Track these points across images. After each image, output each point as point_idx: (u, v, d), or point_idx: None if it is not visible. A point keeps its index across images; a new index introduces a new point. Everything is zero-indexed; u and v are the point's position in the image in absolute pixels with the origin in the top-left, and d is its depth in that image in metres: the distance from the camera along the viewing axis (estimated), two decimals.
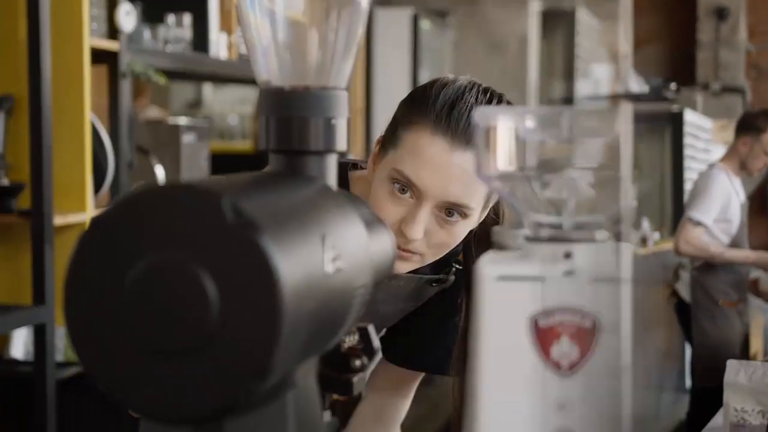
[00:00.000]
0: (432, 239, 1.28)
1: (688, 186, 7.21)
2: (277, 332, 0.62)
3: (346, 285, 0.74)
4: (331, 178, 0.85)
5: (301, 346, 0.68)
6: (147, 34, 2.98)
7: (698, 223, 4.24)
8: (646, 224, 6.35)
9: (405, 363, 1.52)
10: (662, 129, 7.00)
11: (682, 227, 4.28)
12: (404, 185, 1.26)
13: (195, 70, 3.18)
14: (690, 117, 7.06)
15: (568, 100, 7.22)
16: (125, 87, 2.71)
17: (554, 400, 0.70)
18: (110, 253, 0.64)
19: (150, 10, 3.04)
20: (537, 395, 0.70)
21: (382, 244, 0.89)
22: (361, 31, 0.87)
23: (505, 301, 0.71)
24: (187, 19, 3.08)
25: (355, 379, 0.90)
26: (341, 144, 0.85)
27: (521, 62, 5.54)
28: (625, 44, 5.51)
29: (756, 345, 4.87)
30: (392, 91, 4.23)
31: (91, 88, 2.57)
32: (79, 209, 2.53)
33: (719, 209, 4.28)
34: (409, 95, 1.32)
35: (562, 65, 7.32)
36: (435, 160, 1.24)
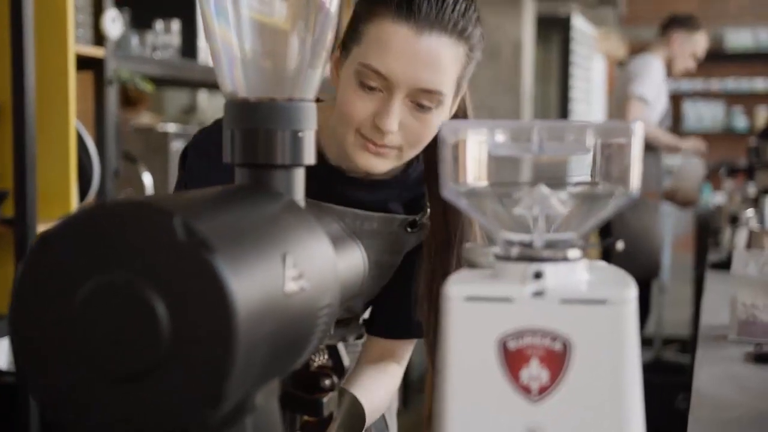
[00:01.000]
0: (407, 132, 1.25)
1: (574, 94, 7.30)
2: (231, 356, 0.60)
3: (310, 305, 0.71)
4: (299, 193, 0.82)
5: (260, 369, 0.65)
6: (135, 40, 2.95)
7: (643, 99, 4.28)
8: None
9: (391, 334, 1.49)
10: (549, 32, 7.03)
11: (626, 106, 4.30)
12: (372, 79, 1.23)
13: (183, 76, 3.15)
14: (577, 23, 7.09)
15: (564, 103, 7.25)
16: (111, 94, 2.68)
17: (524, 426, 0.67)
18: (58, 272, 0.62)
19: (138, 16, 3.01)
20: (506, 420, 0.68)
21: (352, 259, 0.86)
22: (330, 38, 0.85)
23: (473, 322, 0.68)
24: (175, 25, 3.06)
25: (325, 399, 0.88)
26: (309, 157, 0.82)
27: (516, 68, 5.52)
28: None
29: None
30: None
31: (76, 95, 2.54)
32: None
33: (656, 89, 4.34)
34: None
35: (558, 71, 7.32)
36: (401, 47, 1.21)
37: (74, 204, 2.52)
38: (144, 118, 4.06)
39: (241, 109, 0.81)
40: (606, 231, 4.27)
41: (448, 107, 1.28)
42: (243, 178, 0.82)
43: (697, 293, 4.52)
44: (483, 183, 0.73)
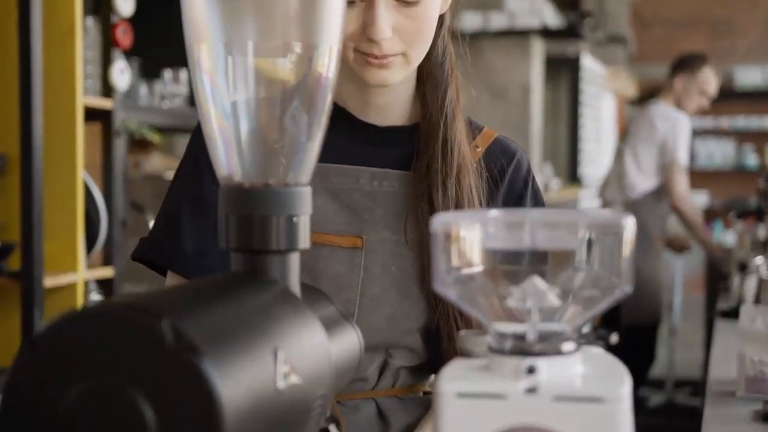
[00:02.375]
0: (404, 33, 1.17)
1: (584, 133, 7.30)
2: None
3: (302, 398, 0.71)
4: (293, 278, 0.82)
5: None
6: (143, 89, 2.97)
7: (685, 168, 4.31)
8: (548, 170, 6.33)
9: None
10: (559, 72, 7.04)
11: (672, 176, 4.28)
12: None
13: (192, 125, 3.16)
14: (586, 62, 7.11)
15: (573, 143, 7.26)
16: (119, 145, 2.70)
17: None
18: (46, 376, 0.61)
19: (147, 65, 3.03)
20: None
21: (346, 344, 0.86)
22: (324, 122, 0.85)
23: (466, 418, 0.68)
24: (183, 74, 3.08)
25: None
26: (305, 242, 0.82)
27: (524, 110, 5.53)
28: None
29: None
30: None
31: (84, 146, 2.55)
32: (70, 270, 2.50)
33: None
34: None
35: (567, 110, 7.34)
36: None
37: (81, 256, 2.53)
38: (155, 159, 4.08)
39: (236, 195, 0.81)
40: None
41: None
42: (237, 263, 0.81)
43: (708, 338, 4.49)
44: (475, 274, 0.72)
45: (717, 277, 4.81)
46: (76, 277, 2.52)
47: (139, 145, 3.96)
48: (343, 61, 1.21)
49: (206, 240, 1.21)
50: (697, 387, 5.34)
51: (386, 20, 1.15)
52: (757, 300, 2.81)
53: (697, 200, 10.02)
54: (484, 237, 0.71)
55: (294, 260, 0.82)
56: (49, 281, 2.43)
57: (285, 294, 0.77)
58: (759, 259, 3.13)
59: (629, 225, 0.69)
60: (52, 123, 2.47)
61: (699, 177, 10.15)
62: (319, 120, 0.84)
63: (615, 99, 9.25)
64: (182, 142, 4.29)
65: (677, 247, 4.88)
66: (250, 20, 0.79)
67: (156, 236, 1.27)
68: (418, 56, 1.20)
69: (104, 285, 2.75)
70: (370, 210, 1.24)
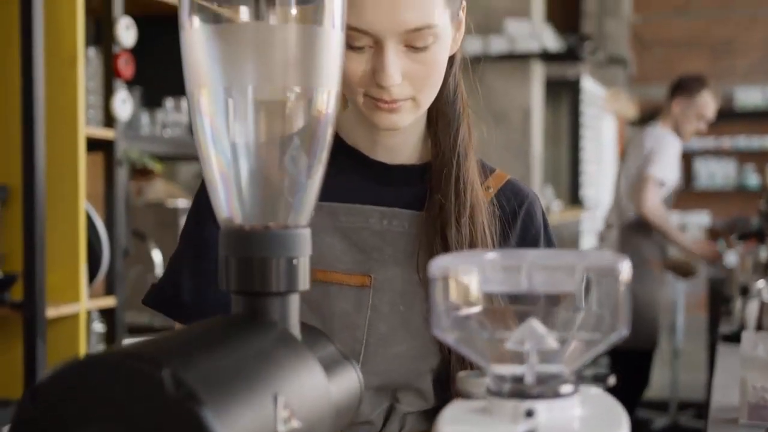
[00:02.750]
0: (413, 78, 1.16)
1: (585, 155, 7.31)
2: None
3: None
4: (293, 319, 0.82)
5: None
6: (145, 118, 2.99)
7: (660, 183, 4.27)
8: (550, 192, 6.34)
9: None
10: (560, 95, 7.06)
11: (644, 186, 4.27)
12: (356, 39, 1.14)
13: (193, 153, 3.18)
14: (586, 84, 7.14)
15: (574, 165, 7.28)
16: (121, 174, 2.71)
17: None
18: (47, 425, 0.62)
19: (149, 94, 3.05)
20: None
21: (346, 383, 0.86)
22: (323, 163, 0.86)
23: None
24: (184, 103, 3.09)
25: None
26: (304, 283, 0.83)
27: (525, 133, 5.55)
28: (537, 2, 5.52)
29: None
30: None
31: (86, 176, 2.56)
32: (73, 300, 2.51)
33: (672, 171, 4.36)
34: None
35: (568, 132, 7.36)
36: None
37: (84, 286, 2.53)
38: (157, 186, 4.09)
39: (236, 237, 0.82)
40: None
41: (447, 35, 1.19)
42: (237, 305, 0.82)
43: (711, 361, 4.49)
44: (472, 317, 0.73)
45: (719, 298, 4.81)
46: (79, 307, 2.52)
47: (141, 171, 3.98)
48: (354, 102, 1.21)
49: (204, 287, 1.22)
50: (701, 409, 5.33)
51: (395, 66, 1.15)
52: (759, 324, 2.81)
53: (698, 220, 10.05)
54: (482, 280, 0.72)
55: (294, 301, 0.82)
56: (52, 311, 2.43)
57: (285, 336, 0.78)
58: (761, 283, 3.12)
59: (625, 268, 0.69)
60: (54, 153, 2.48)
61: (700, 197, 10.17)
62: (318, 161, 0.85)
63: (616, 120, 9.27)
64: (184, 170, 4.31)
65: (683, 272, 4.88)
66: (249, 65, 0.80)
67: (160, 283, 1.29)
68: (428, 100, 1.20)
69: (106, 314, 2.76)
70: (379, 249, 1.24)
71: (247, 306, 0.81)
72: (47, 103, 2.45)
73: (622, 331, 0.70)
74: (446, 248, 1.21)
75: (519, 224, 1.29)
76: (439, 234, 1.22)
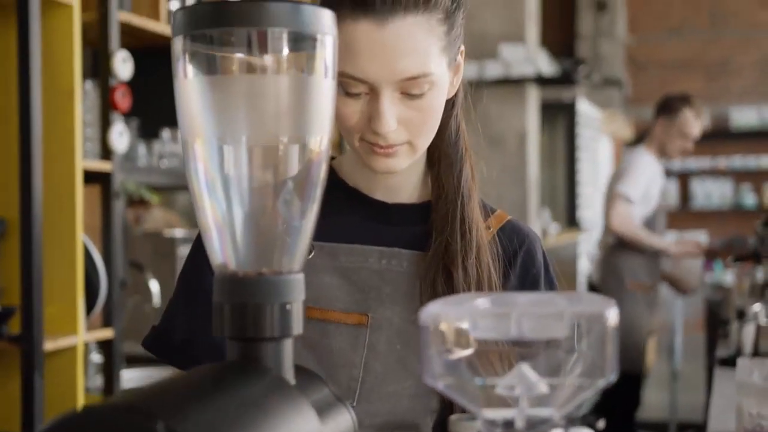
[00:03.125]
0: (409, 124, 1.17)
1: (581, 177, 7.33)
2: None
3: None
4: (287, 363, 0.83)
5: None
6: (142, 149, 3.00)
7: (627, 199, 4.28)
8: (546, 215, 6.34)
9: None
10: (555, 117, 7.08)
11: (612, 202, 4.29)
12: (352, 86, 1.15)
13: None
14: (582, 107, 7.16)
15: (571, 187, 7.29)
16: (118, 206, 2.72)
17: None
18: None
19: (146, 125, 3.07)
20: None
21: (341, 427, 0.87)
22: (315, 209, 0.87)
23: None
24: None
25: None
26: (297, 328, 0.84)
27: (521, 157, 5.57)
28: (532, 24, 5.54)
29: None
30: None
31: (83, 208, 2.57)
32: (70, 332, 2.51)
33: (644, 187, 4.34)
34: None
35: (564, 154, 7.38)
36: (367, 45, 1.13)
37: (81, 319, 2.54)
38: (155, 214, 4.10)
39: (230, 283, 0.83)
40: None
41: (444, 81, 1.19)
42: (232, 351, 0.83)
43: (709, 383, 4.48)
44: (463, 363, 0.74)
45: (717, 320, 4.81)
46: (76, 339, 2.52)
47: (140, 200, 3.99)
48: (351, 146, 1.22)
49: (199, 332, 1.23)
50: (700, 431, 5.32)
51: (391, 113, 1.15)
52: (756, 348, 2.81)
53: (695, 239, 10.04)
54: (472, 327, 0.73)
55: (287, 346, 0.83)
56: (50, 344, 2.44)
57: (278, 382, 0.79)
58: (756, 306, 3.13)
59: (612, 314, 0.71)
60: (51, 186, 2.49)
61: (697, 217, 10.19)
62: (311, 206, 0.86)
63: (612, 141, 9.30)
64: (182, 198, 4.32)
65: (681, 288, 4.88)
66: (243, 115, 0.82)
67: (156, 327, 1.31)
68: (424, 144, 1.21)
69: (104, 345, 2.76)
70: (377, 288, 1.25)
71: (241, 352, 0.82)
72: (45, 136, 2.46)
73: (610, 377, 0.71)
74: (452, 289, 1.21)
75: (519, 264, 1.29)
76: (443, 275, 1.22)
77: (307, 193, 0.85)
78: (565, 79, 5.90)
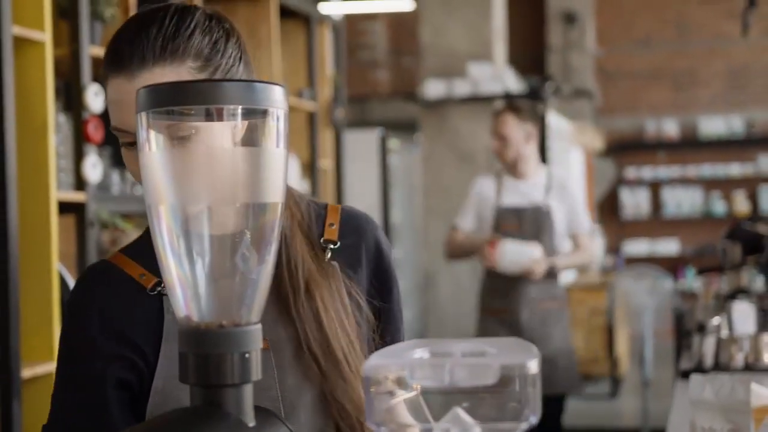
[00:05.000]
0: None
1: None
2: None
3: None
4: (247, 407, 0.91)
5: None
6: (116, 177, 3.07)
7: (455, 228, 4.17)
8: None
9: None
10: None
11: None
12: (125, 137, 1.21)
13: None
14: (552, 120, 7.29)
15: None
16: (92, 235, 2.79)
17: None
18: None
19: (119, 153, 3.13)
20: None
21: None
22: (271, 264, 0.95)
23: None
24: None
25: None
26: (256, 374, 0.92)
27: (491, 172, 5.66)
28: (499, 44, 5.60)
29: None
30: (364, 209, 4.31)
31: (58, 238, 2.64)
32: (47, 359, 2.57)
33: (474, 213, 4.15)
34: None
35: None
36: (123, 98, 1.18)
37: (56, 347, 2.60)
38: (132, 236, 4.15)
39: (193, 335, 0.91)
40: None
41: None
42: (195, 397, 0.91)
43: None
44: (402, 410, 0.82)
45: (682, 330, 4.91)
46: (53, 366, 2.58)
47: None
48: None
49: (94, 422, 1.23)
50: None
51: None
52: (716, 361, 2.90)
53: (667, 248, 10.22)
54: (410, 377, 0.81)
55: (247, 391, 0.91)
56: (27, 372, 2.50)
57: (238, 426, 0.87)
58: (716, 319, 3.21)
59: (533, 365, 0.79)
60: (27, 217, 2.55)
61: (668, 225, 10.35)
62: (267, 262, 0.94)
63: (583, 152, 9.43)
64: None
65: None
66: (202, 184, 0.90)
67: (48, 427, 1.29)
68: None
69: None
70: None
71: (204, 398, 0.90)
72: (19, 168, 2.52)
73: (532, 419, 0.80)
74: (299, 320, 1.27)
75: (366, 250, 1.36)
76: (287, 310, 1.28)
77: (263, 250, 0.93)
78: (533, 96, 6.01)
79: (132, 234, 4.11)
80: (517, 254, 3.95)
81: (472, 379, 0.81)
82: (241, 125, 0.90)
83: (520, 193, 4.07)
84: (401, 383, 0.81)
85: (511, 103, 4.30)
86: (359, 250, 1.36)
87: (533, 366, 0.79)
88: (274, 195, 0.92)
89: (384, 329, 1.35)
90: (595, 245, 4.11)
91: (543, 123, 7.16)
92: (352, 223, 1.36)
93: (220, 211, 0.90)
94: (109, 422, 1.24)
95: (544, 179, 4.09)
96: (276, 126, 0.91)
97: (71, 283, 2.67)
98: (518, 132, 3.99)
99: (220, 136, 0.91)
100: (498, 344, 0.85)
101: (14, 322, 2.45)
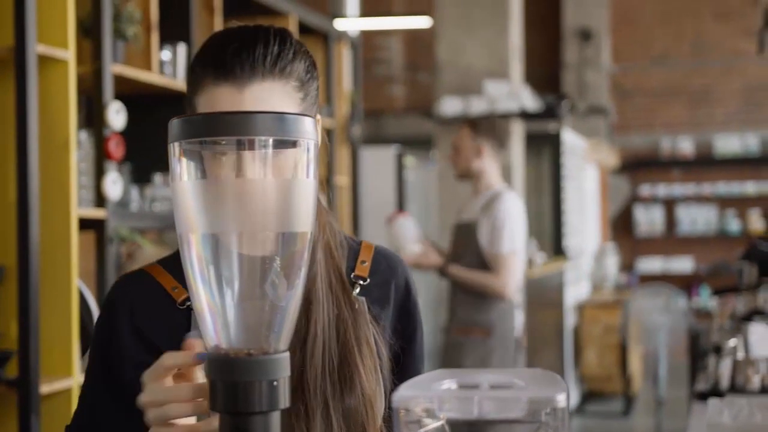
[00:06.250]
0: None
1: (567, 206, 7.42)
2: None
3: None
4: None
5: None
6: (135, 194, 3.09)
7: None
8: (533, 245, 6.40)
9: None
10: (540, 148, 7.18)
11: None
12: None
13: None
14: (567, 137, 7.28)
15: (557, 216, 7.40)
16: (112, 252, 2.81)
17: None
18: None
19: (138, 170, 3.16)
20: None
21: None
22: (299, 292, 0.96)
23: None
24: None
25: None
26: (284, 402, 0.93)
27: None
28: (516, 62, 5.60)
29: None
30: (380, 226, 4.31)
31: (78, 255, 2.66)
32: (66, 375, 2.59)
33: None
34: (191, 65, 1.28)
35: (549, 184, 7.49)
36: (226, 106, 1.20)
37: (76, 361, 2.62)
38: (147, 249, 4.17)
39: (223, 363, 0.92)
40: None
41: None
42: (224, 424, 0.92)
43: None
44: None
45: (698, 348, 4.89)
46: (72, 382, 2.60)
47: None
48: None
49: (120, 426, 1.24)
50: None
51: None
52: (732, 383, 2.89)
53: (681, 266, 10.19)
54: (438, 409, 0.82)
55: (275, 419, 0.93)
56: (45, 388, 2.51)
57: None
58: (733, 341, 3.20)
59: (562, 399, 0.80)
60: (48, 234, 2.58)
61: (683, 243, 10.31)
62: (296, 290, 0.95)
63: (597, 169, 9.42)
64: (172, 237, 4.39)
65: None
66: (232, 214, 0.91)
67: (74, 425, 1.31)
68: None
69: None
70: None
71: (232, 425, 0.91)
72: (41, 185, 2.55)
73: None
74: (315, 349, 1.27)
75: (395, 290, 1.38)
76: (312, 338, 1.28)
77: (292, 277, 0.94)
78: (549, 114, 6.01)
79: (148, 249, 4.14)
80: (403, 229, 4.05)
81: (500, 411, 0.81)
82: (271, 156, 0.91)
83: (467, 210, 4.13)
84: (429, 414, 0.82)
85: (471, 119, 4.36)
86: (389, 290, 1.38)
87: (562, 400, 0.80)
88: (304, 224, 0.93)
89: (404, 371, 1.35)
90: (510, 273, 3.88)
91: (558, 139, 7.16)
92: (384, 263, 1.39)
93: (250, 239, 0.92)
94: (131, 426, 1.26)
95: (489, 197, 4.07)
96: (306, 157, 0.92)
97: (91, 300, 2.69)
98: (468, 145, 4.04)
99: (252, 166, 0.92)
100: (524, 376, 0.86)
101: (34, 337, 2.46)
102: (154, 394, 1.02)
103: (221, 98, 1.22)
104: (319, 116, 1.33)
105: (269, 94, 1.22)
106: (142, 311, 1.29)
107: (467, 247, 4.00)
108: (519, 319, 4.09)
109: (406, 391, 0.82)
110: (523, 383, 0.84)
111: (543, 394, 0.80)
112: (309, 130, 0.92)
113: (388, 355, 1.33)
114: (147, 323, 1.29)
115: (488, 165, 4.05)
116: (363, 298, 1.33)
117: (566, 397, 0.81)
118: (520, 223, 4.01)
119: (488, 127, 4.09)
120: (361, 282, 1.34)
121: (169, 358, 1.02)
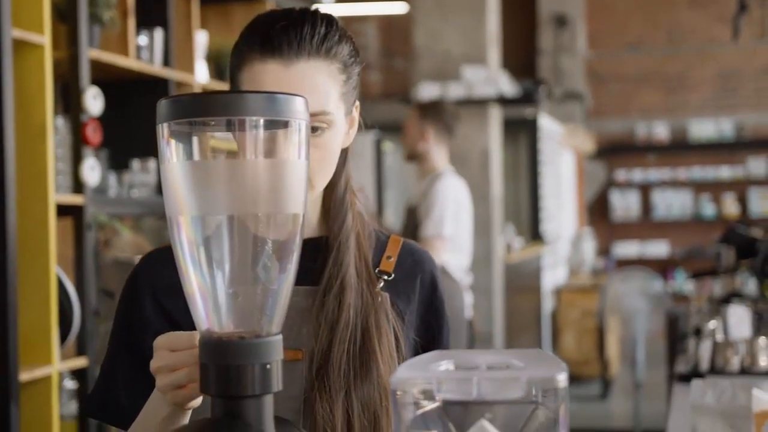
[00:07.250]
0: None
1: (544, 191, 7.48)
2: None
3: None
4: (267, 418, 0.91)
5: None
6: (113, 180, 3.06)
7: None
8: (511, 230, 6.45)
9: None
10: (517, 134, 7.23)
11: None
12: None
13: (160, 212, 3.25)
14: (544, 122, 7.33)
15: (534, 201, 7.43)
16: (90, 238, 2.78)
17: None
18: None
19: (116, 156, 3.12)
20: None
21: None
22: (292, 275, 0.94)
23: None
24: (152, 164, 3.17)
25: None
26: (277, 385, 0.92)
27: (484, 176, 5.66)
28: (493, 47, 5.61)
29: None
30: None
31: (56, 241, 2.63)
32: (45, 362, 2.57)
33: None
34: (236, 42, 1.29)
35: (526, 170, 7.51)
36: (273, 82, 1.22)
37: (55, 348, 2.59)
38: (125, 236, 4.14)
39: (215, 347, 0.91)
40: None
41: (341, 126, 1.28)
42: (216, 408, 0.91)
43: (670, 392, 4.59)
44: (429, 420, 0.82)
45: (676, 331, 4.91)
46: (51, 369, 2.58)
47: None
48: None
49: (141, 392, 1.22)
50: None
51: None
52: (712, 365, 2.90)
53: (657, 250, 10.26)
54: (437, 390, 0.81)
55: (268, 402, 0.91)
56: (25, 375, 2.49)
57: None
58: (712, 323, 3.22)
59: (562, 379, 0.79)
60: (25, 220, 2.54)
61: (658, 227, 10.37)
62: (288, 273, 0.94)
63: (574, 154, 9.44)
64: (150, 223, 4.36)
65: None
66: (222, 195, 0.90)
67: (96, 391, 1.32)
68: (321, 183, 1.28)
69: (78, 373, 2.81)
70: (305, 324, 1.28)
71: (225, 409, 0.90)
72: (18, 171, 2.51)
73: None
74: (318, 325, 1.27)
75: (421, 285, 1.38)
76: (316, 310, 1.28)
77: (284, 260, 0.93)
78: (526, 99, 6.01)
79: (126, 235, 4.10)
80: None
81: (498, 392, 0.81)
82: (262, 137, 0.90)
83: (415, 194, 4.19)
84: (427, 396, 0.81)
85: (421, 103, 4.40)
86: (414, 285, 1.37)
87: (562, 380, 0.79)
88: (296, 206, 0.92)
89: None
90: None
91: (535, 125, 7.18)
92: (411, 258, 1.38)
93: (240, 221, 0.90)
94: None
95: (429, 180, 4.08)
96: (298, 137, 0.91)
97: (69, 286, 2.66)
98: (414, 127, 4.08)
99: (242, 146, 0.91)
100: (522, 356, 0.85)
101: (12, 324, 2.44)
102: (165, 359, 1.02)
103: (267, 74, 1.23)
104: (357, 102, 1.33)
105: (314, 72, 1.23)
106: (164, 287, 1.29)
107: (409, 230, 4.02)
108: (468, 300, 4.11)
109: (403, 372, 0.81)
110: (521, 363, 0.83)
111: (542, 374, 0.79)
112: (300, 110, 0.91)
113: (407, 349, 1.33)
114: (167, 299, 1.28)
115: (433, 148, 4.07)
116: (386, 294, 1.32)
117: (566, 377, 0.80)
118: (454, 207, 3.98)
119: (435, 111, 4.13)
120: (386, 277, 1.34)
121: (184, 341, 1.01)
